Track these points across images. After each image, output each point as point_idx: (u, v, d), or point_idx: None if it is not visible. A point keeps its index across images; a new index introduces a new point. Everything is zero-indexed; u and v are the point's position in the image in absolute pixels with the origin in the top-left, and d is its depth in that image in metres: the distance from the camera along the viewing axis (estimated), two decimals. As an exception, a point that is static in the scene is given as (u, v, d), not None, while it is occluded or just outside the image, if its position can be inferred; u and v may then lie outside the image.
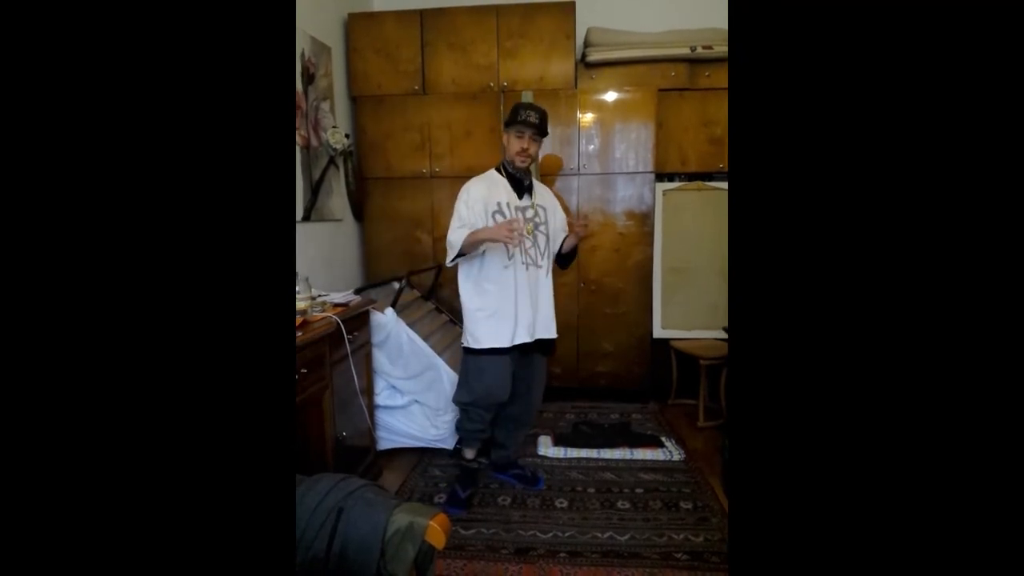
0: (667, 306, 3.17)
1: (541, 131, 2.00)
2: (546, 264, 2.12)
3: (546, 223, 2.10)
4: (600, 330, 3.11)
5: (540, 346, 2.13)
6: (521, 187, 2.05)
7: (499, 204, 1.99)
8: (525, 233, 1.96)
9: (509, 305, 2.01)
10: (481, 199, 1.98)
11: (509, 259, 2.00)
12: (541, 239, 2.07)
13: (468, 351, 2.09)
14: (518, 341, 2.03)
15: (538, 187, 2.13)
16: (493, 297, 2.01)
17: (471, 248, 1.92)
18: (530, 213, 2.06)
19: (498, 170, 2.08)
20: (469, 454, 2.23)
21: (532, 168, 2.10)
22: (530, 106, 2.00)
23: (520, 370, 2.13)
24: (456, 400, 2.19)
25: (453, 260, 1.98)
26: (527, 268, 2.04)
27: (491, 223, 1.95)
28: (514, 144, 1.99)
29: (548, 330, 2.13)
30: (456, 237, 1.92)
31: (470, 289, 2.06)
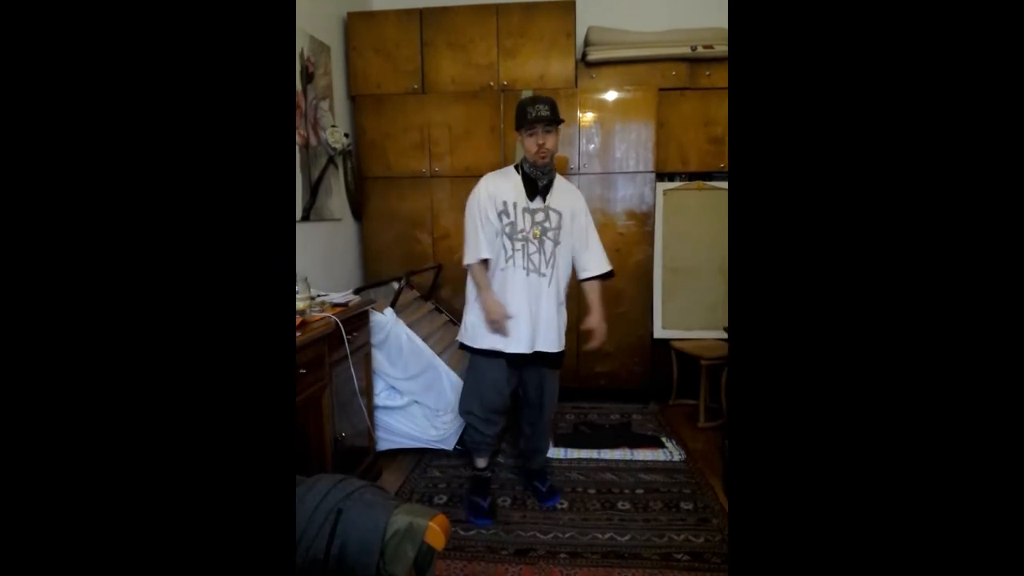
0: (667, 306, 3.17)
1: (554, 120, 1.86)
2: (551, 274, 1.95)
3: (558, 228, 1.95)
4: (600, 330, 3.10)
5: (543, 359, 2.01)
6: (535, 188, 1.93)
7: (505, 203, 1.92)
8: (507, 329, 1.93)
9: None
10: (490, 196, 1.93)
11: (506, 261, 1.94)
12: (548, 246, 1.93)
13: (463, 347, 2.08)
14: (508, 348, 1.95)
15: (559, 188, 1.99)
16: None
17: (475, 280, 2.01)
18: (540, 216, 1.93)
19: (517, 168, 1.98)
20: (480, 463, 2.16)
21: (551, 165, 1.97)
22: (535, 99, 1.87)
23: (528, 381, 2.07)
24: (459, 408, 2.17)
25: (468, 265, 2.01)
26: (527, 274, 1.93)
27: (497, 224, 1.93)
28: (529, 144, 1.88)
29: (549, 343, 1.99)
30: (473, 253, 1.95)
31: (472, 285, 2.05)
